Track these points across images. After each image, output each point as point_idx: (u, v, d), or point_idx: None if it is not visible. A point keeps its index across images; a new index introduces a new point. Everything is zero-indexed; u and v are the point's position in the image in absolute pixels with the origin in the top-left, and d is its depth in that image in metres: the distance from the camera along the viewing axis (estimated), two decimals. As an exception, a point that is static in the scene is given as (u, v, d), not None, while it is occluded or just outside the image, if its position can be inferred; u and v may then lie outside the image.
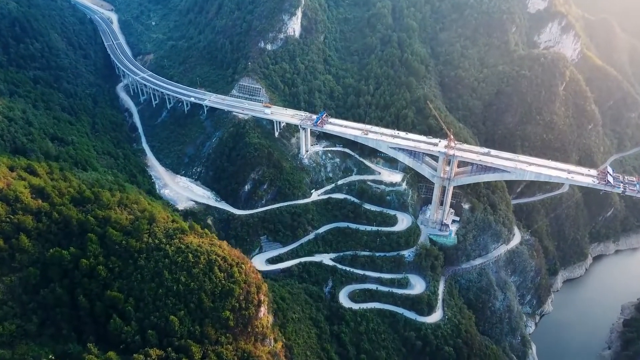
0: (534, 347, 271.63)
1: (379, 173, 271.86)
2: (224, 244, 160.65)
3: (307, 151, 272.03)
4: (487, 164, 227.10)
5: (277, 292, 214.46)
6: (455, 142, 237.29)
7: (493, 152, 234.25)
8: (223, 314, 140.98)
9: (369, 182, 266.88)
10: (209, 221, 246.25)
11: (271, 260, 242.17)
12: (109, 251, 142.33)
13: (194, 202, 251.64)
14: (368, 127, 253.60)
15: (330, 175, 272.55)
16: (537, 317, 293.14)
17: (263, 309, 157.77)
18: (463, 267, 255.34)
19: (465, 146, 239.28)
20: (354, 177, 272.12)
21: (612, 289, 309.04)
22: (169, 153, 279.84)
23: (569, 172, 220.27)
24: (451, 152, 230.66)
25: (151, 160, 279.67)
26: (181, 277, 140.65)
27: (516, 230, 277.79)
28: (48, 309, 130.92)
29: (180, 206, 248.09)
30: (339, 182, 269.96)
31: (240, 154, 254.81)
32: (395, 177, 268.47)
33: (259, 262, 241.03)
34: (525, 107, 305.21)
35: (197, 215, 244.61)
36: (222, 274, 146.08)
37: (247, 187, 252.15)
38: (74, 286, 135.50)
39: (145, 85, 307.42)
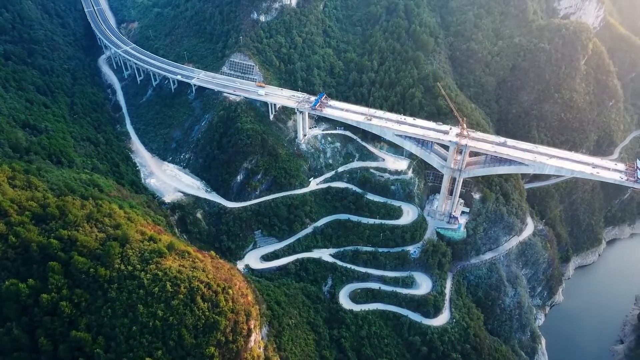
0: (543, 342, 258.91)
1: (383, 159, 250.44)
2: (208, 263, 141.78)
3: (304, 135, 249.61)
4: (502, 155, 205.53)
5: (272, 296, 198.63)
6: (468, 130, 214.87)
7: (510, 142, 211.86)
8: (207, 351, 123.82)
9: (372, 170, 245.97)
10: (199, 215, 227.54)
11: (266, 257, 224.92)
12: (75, 281, 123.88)
13: (182, 194, 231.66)
14: (372, 111, 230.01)
15: (330, 161, 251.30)
16: (547, 308, 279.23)
17: (254, 336, 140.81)
18: (472, 263, 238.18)
19: (479, 134, 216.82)
20: (356, 164, 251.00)
21: (627, 276, 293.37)
22: (154, 137, 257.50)
23: (594, 166, 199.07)
24: (463, 141, 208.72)
25: (136, 144, 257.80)
26: (158, 310, 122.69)
27: (529, 220, 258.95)
28: (4, 353, 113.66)
29: (167, 198, 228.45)
30: (340, 169, 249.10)
31: (232, 141, 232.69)
32: (401, 164, 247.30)
33: (254, 259, 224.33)
34: (542, 84, 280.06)
35: (185, 208, 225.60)
36: (205, 305, 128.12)
37: (239, 178, 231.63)
38: (34, 325, 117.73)
39: (128, 59, 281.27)
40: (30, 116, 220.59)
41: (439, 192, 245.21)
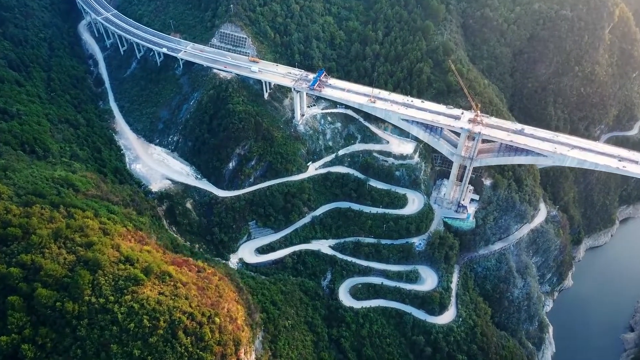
0: (550, 330, 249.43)
1: (387, 142, 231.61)
2: (192, 287, 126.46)
3: (302, 115, 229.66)
4: (519, 145, 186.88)
5: (267, 295, 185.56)
6: (482, 115, 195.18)
7: (528, 129, 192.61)
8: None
9: (375, 154, 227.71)
10: (189, 205, 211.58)
11: (261, 250, 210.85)
12: (39, 317, 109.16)
13: (170, 182, 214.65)
14: (376, 92, 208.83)
15: (330, 143, 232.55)
16: (556, 294, 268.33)
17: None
18: (480, 254, 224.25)
19: (494, 120, 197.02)
20: (358, 146, 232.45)
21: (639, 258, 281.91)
22: (140, 116, 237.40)
23: (620, 159, 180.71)
24: (476, 128, 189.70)
25: (120, 124, 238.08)
26: (135, 349, 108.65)
27: (541, 205, 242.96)
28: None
29: (154, 187, 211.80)
30: (340, 153, 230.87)
31: (223, 125, 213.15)
32: (406, 147, 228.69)
33: (248, 251, 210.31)
34: (562, 55, 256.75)
35: (174, 198, 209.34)
36: (188, 339, 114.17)
37: (231, 165, 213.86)
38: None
39: (109, 27, 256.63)
40: (0, 98, 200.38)
41: (446, 177, 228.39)
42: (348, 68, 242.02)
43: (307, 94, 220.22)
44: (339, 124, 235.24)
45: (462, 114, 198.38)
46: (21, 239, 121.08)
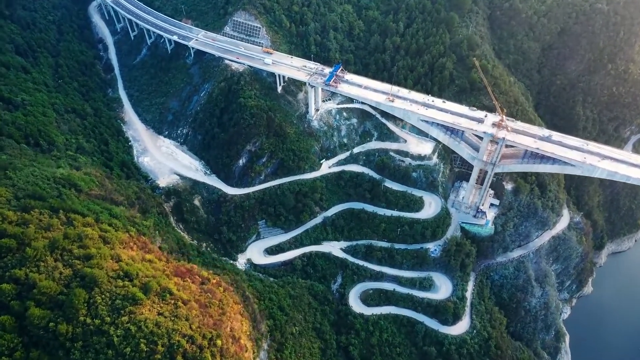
0: (567, 339, 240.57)
1: (405, 140, 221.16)
2: (193, 308, 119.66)
3: (317, 110, 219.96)
4: (545, 153, 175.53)
5: (274, 300, 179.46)
6: (507, 118, 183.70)
7: (555, 135, 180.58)
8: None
9: (391, 153, 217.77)
10: (197, 202, 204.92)
11: (270, 251, 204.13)
12: (31, 339, 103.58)
13: (178, 177, 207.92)
14: (395, 89, 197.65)
15: (345, 140, 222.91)
16: (574, 301, 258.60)
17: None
18: (498, 261, 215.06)
19: (520, 125, 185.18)
20: (374, 144, 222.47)
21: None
22: (149, 106, 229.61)
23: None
24: (501, 133, 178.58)
25: (129, 113, 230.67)
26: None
27: (565, 211, 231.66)
28: None
29: (162, 182, 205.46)
30: (355, 150, 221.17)
31: (233, 119, 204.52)
32: (425, 147, 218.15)
33: (257, 252, 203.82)
34: (595, 52, 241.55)
35: (181, 194, 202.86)
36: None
37: (241, 162, 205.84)
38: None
39: (119, 11, 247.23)
40: (4, 86, 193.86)
41: (466, 179, 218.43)
42: (366, 61, 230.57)
43: (322, 89, 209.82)
44: (355, 120, 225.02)
45: (486, 116, 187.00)
46: (16, 250, 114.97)
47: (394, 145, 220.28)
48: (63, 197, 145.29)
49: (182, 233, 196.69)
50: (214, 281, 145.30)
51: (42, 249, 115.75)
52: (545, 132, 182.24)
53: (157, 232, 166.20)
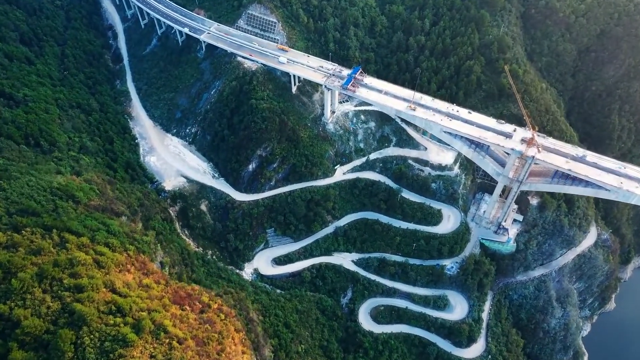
0: (585, 358, 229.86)
1: (425, 148, 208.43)
2: (189, 348, 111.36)
3: (332, 113, 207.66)
4: (578, 175, 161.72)
5: (280, 317, 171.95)
6: (538, 134, 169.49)
7: (590, 156, 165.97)
8: None
9: (410, 161, 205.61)
10: (203, 207, 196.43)
11: (278, 261, 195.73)
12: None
13: (185, 180, 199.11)
14: (417, 96, 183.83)
15: (362, 145, 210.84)
16: (595, 317, 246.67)
17: None
18: (518, 280, 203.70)
19: (551, 142, 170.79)
20: (392, 151, 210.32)
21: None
22: (158, 102, 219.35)
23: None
24: (530, 151, 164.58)
25: (136, 108, 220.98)
26: None
27: (592, 228, 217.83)
28: None
29: (168, 184, 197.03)
30: (372, 156, 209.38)
31: (244, 122, 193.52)
32: (446, 156, 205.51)
33: (264, 261, 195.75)
34: (636, 57, 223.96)
35: (188, 199, 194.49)
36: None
37: (251, 167, 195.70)
38: None
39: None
40: (6, 80, 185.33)
41: (488, 192, 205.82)
42: (388, 60, 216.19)
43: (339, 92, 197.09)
44: (372, 124, 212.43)
45: (515, 131, 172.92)
46: (1, 280, 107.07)
47: (413, 153, 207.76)
48: (59, 211, 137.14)
49: (187, 240, 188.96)
50: (215, 306, 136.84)
51: (30, 279, 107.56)
52: (580, 151, 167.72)
53: (158, 245, 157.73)
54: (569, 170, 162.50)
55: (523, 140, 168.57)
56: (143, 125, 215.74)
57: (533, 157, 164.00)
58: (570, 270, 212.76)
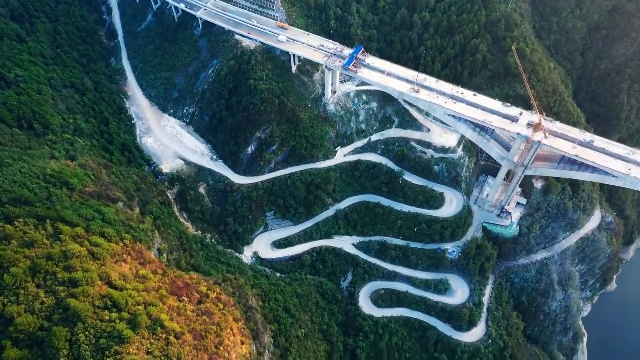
0: (584, 339, 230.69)
1: (428, 130, 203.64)
2: (187, 342, 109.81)
3: (333, 93, 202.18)
4: (585, 161, 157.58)
5: (280, 301, 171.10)
6: (545, 118, 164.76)
7: (598, 141, 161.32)
8: None
9: (412, 143, 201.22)
10: (202, 190, 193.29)
11: (278, 244, 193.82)
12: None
13: (183, 162, 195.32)
14: (421, 77, 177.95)
15: (363, 126, 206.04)
16: (596, 298, 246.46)
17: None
18: (520, 263, 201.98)
19: (558, 126, 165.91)
20: (394, 132, 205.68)
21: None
22: (154, 81, 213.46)
23: None
24: (536, 136, 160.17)
25: (132, 87, 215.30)
26: None
27: (596, 211, 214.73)
28: None
29: (166, 166, 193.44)
30: (374, 138, 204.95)
31: (243, 103, 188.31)
32: (449, 138, 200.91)
33: (264, 244, 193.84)
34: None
35: (186, 182, 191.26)
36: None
37: (250, 149, 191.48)
38: None
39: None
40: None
41: (492, 174, 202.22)
42: (391, 37, 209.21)
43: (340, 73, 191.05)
44: (374, 104, 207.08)
45: (521, 114, 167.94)
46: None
47: (415, 134, 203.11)
48: (52, 199, 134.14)
49: (185, 223, 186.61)
50: (213, 295, 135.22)
51: (23, 274, 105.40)
52: (587, 136, 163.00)
53: (155, 231, 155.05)
54: (576, 155, 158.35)
55: (529, 124, 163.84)
56: (139, 104, 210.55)
57: (539, 142, 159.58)
58: (573, 253, 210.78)
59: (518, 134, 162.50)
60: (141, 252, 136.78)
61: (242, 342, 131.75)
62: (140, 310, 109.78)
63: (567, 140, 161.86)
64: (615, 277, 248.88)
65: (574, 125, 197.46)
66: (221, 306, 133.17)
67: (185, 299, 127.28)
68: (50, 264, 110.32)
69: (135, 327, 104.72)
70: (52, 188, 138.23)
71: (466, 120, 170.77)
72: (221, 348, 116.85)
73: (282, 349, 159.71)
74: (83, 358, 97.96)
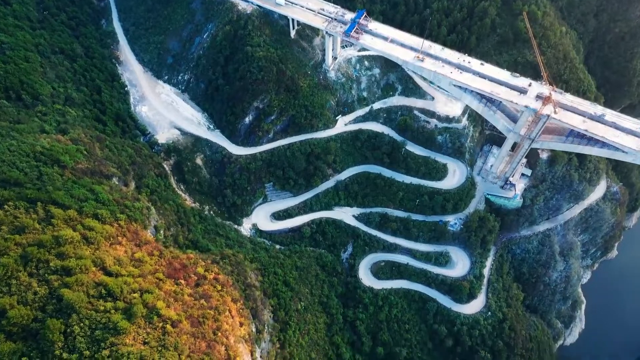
0: (583, 307, 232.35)
1: (432, 98, 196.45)
2: (184, 331, 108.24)
3: (334, 59, 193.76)
4: (595, 135, 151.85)
5: (279, 275, 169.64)
6: (556, 89, 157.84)
7: (610, 114, 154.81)
8: None
9: (416, 112, 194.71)
10: (199, 161, 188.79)
11: (277, 216, 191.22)
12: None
13: (179, 132, 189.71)
14: (427, 45, 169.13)
15: (365, 94, 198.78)
16: (596, 265, 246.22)
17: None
18: (522, 234, 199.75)
19: (569, 99, 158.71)
20: (397, 100, 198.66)
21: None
22: (147, 45, 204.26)
23: None
24: (546, 110, 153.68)
25: (125, 52, 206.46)
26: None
27: (602, 181, 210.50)
28: None
29: (161, 137, 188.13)
30: (376, 106, 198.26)
31: (240, 71, 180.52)
32: (454, 107, 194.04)
33: (263, 216, 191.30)
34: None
35: (182, 153, 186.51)
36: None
37: (248, 119, 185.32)
38: None
39: None
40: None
41: (497, 144, 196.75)
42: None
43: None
44: (377, 71, 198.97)
45: (530, 85, 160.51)
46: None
47: (419, 103, 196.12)
48: (43, 179, 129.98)
49: (183, 195, 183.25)
50: (211, 276, 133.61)
51: (14, 264, 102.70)
52: (599, 109, 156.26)
53: (152, 208, 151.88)
54: (586, 130, 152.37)
55: (538, 97, 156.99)
56: (132, 70, 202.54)
57: (548, 115, 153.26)
58: (576, 224, 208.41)
59: (526, 107, 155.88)
60: (137, 232, 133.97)
61: (241, 324, 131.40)
62: (136, 298, 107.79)
63: (577, 113, 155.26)
64: (616, 244, 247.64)
65: (584, 93, 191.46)
66: (219, 287, 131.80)
67: (183, 282, 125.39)
68: (42, 252, 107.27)
69: (131, 317, 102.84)
70: (43, 167, 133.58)
71: (472, 91, 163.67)
72: (219, 333, 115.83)
73: (282, 323, 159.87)
74: (78, 350, 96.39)
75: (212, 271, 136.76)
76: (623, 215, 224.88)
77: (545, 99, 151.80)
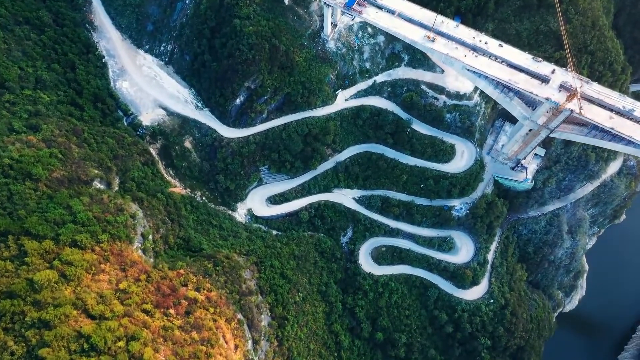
0: (585, 275, 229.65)
1: (442, 71, 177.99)
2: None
3: (334, 27, 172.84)
4: (621, 134, 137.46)
5: (276, 268, 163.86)
6: (581, 79, 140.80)
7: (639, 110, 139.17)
8: None
9: (423, 87, 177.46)
10: (188, 144, 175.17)
11: (274, 200, 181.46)
12: None
13: (164, 112, 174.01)
14: (439, 20, 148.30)
15: (367, 65, 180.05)
16: (602, 231, 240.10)
17: None
18: (529, 215, 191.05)
19: (596, 89, 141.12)
20: (403, 72, 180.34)
21: None
22: (123, 9, 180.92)
23: None
24: (570, 104, 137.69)
25: (99, 15, 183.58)
26: None
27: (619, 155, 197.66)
28: None
29: (145, 118, 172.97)
30: (379, 79, 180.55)
31: (228, 47, 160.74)
32: (466, 82, 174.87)
33: (258, 200, 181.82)
34: None
35: (169, 136, 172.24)
36: None
37: (239, 100, 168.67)
38: None
39: None
40: None
41: (509, 120, 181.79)
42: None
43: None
44: (381, 38, 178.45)
45: (553, 73, 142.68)
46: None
47: (427, 76, 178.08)
48: (14, 199, 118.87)
49: (172, 181, 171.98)
50: (203, 298, 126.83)
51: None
52: (628, 103, 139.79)
53: (138, 213, 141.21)
54: (612, 128, 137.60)
55: (562, 87, 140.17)
56: (109, 38, 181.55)
57: (572, 111, 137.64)
58: (587, 200, 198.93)
59: (547, 99, 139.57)
60: (121, 253, 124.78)
61: (237, 347, 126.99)
62: (121, 348, 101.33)
63: (604, 107, 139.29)
64: (625, 210, 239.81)
65: (610, 65, 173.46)
66: (212, 310, 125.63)
67: (172, 311, 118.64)
68: (17, 303, 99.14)
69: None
70: (13, 185, 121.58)
71: (487, 77, 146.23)
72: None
73: (280, 319, 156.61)
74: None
75: (203, 289, 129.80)
76: (636, 184, 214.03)
77: (569, 96, 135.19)
